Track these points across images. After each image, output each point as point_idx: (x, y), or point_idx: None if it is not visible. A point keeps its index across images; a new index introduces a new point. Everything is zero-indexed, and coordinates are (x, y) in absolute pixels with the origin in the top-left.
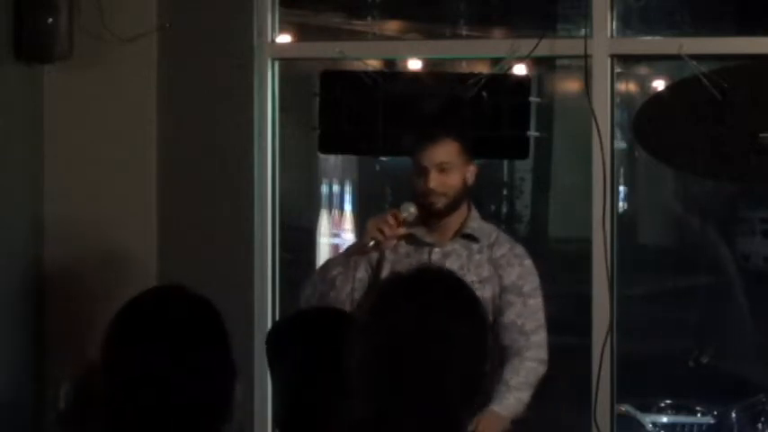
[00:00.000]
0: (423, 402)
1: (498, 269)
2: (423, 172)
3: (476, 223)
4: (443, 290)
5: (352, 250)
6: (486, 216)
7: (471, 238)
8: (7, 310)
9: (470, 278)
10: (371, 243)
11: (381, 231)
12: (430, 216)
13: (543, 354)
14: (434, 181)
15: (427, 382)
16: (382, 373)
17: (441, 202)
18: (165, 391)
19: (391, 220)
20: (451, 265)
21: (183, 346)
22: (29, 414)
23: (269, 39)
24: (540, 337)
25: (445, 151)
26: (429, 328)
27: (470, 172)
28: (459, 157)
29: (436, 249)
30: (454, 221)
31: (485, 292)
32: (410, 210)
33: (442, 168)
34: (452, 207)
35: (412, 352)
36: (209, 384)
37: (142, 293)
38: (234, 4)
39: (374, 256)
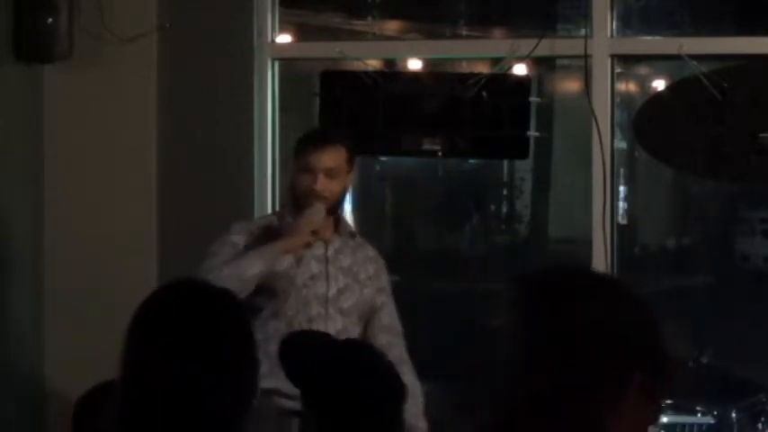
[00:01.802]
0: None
1: (378, 269)
2: (309, 173)
3: (349, 223)
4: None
5: (278, 250)
6: (486, 216)
7: (351, 234)
8: (7, 310)
9: (363, 275)
10: (306, 243)
11: (314, 232)
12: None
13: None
14: (321, 184)
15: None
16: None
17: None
18: (193, 391)
19: (317, 222)
20: (345, 260)
21: (209, 342)
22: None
23: (269, 39)
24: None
25: (335, 157)
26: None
27: (350, 180)
28: (346, 164)
29: (330, 245)
30: (330, 221)
31: (371, 290)
32: (322, 212)
33: (329, 173)
34: (331, 212)
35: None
36: (237, 380)
37: (161, 288)
38: (234, 4)
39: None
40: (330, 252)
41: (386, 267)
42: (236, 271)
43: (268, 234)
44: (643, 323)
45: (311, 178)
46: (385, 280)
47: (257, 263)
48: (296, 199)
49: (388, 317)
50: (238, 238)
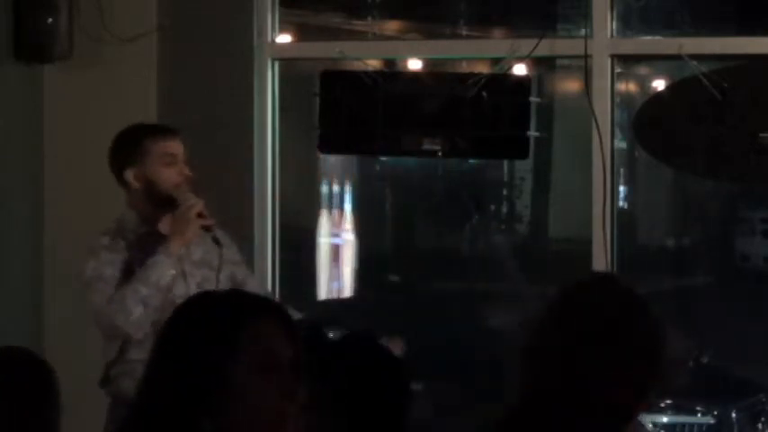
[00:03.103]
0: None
1: (226, 246)
2: (172, 161)
3: None
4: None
5: (177, 246)
6: (486, 216)
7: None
8: (7, 310)
9: (215, 261)
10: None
11: (200, 215)
12: (175, 206)
13: None
14: (185, 169)
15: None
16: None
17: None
18: None
19: (199, 205)
20: (196, 252)
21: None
22: None
23: (269, 39)
24: None
25: (180, 143)
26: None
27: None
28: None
29: (216, 233)
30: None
31: (226, 272)
32: (193, 197)
33: (182, 160)
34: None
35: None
36: None
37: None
38: (234, 4)
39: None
40: (182, 250)
41: (231, 237)
42: (152, 290)
43: (145, 239)
44: (659, 332)
45: (175, 165)
46: (236, 252)
47: (165, 267)
48: (159, 193)
49: (253, 281)
50: (110, 269)
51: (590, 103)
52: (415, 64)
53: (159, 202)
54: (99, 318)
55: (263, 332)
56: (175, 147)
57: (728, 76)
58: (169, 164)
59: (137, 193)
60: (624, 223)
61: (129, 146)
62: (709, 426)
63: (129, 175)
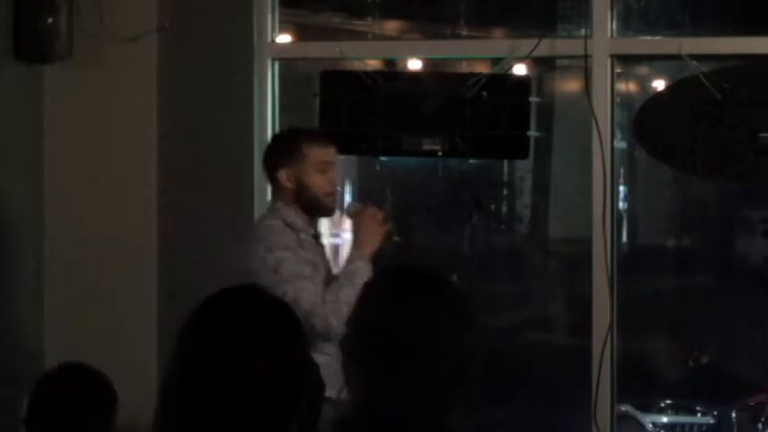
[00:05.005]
0: (409, 388)
1: None
2: (325, 169)
3: None
4: (425, 281)
5: (369, 253)
6: (486, 216)
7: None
8: (7, 310)
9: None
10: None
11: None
12: (324, 213)
13: None
14: (336, 179)
15: (413, 369)
16: (370, 362)
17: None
18: (228, 390)
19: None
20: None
21: (248, 345)
22: None
23: (269, 39)
24: None
25: (335, 152)
26: (412, 315)
27: None
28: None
29: (324, 242)
30: None
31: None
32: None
33: (334, 167)
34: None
35: (395, 340)
36: (271, 384)
37: (217, 293)
38: (234, 4)
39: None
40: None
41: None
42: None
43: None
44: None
45: (329, 172)
46: None
47: (366, 273)
48: (309, 198)
49: None
50: (308, 268)
51: (590, 103)
52: (415, 64)
53: (306, 205)
54: (313, 317)
55: None
56: (331, 155)
57: (728, 76)
58: (323, 171)
59: (287, 192)
60: (624, 223)
61: (287, 147)
62: (709, 426)
63: (283, 175)
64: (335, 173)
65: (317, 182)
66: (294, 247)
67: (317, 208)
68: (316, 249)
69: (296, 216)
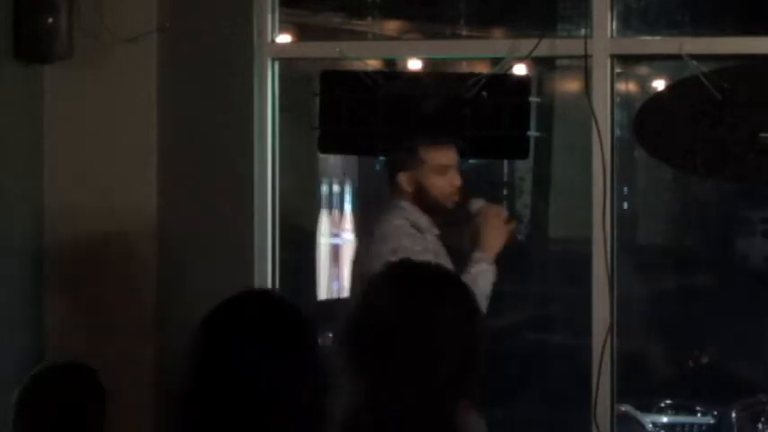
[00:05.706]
0: (410, 387)
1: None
2: (444, 171)
3: None
4: (428, 279)
5: (493, 254)
6: None
7: None
8: (7, 310)
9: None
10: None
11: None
12: (442, 214)
13: None
14: (457, 179)
15: (413, 368)
16: (369, 359)
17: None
18: (238, 391)
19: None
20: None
21: (261, 347)
22: None
23: (269, 39)
24: None
25: (454, 153)
26: (413, 314)
27: None
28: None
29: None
30: None
31: None
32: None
33: (455, 169)
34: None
35: (397, 338)
36: (275, 385)
37: (234, 296)
38: (234, 4)
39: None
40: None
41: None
42: (481, 298)
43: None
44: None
45: (449, 178)
46: None
47: (491, 275)
48: (429, 200)
49: None
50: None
51: (590, 103)
52: (415, 64)
53: (427, 206)
54: None
55: None
56: (449, 157)
57: (728, 76)
58: (441, 173)
59: (407, 194)
60: (624, 223)
61: (406, 152)
62: (709, 426)
63: (403, 179)
64: (454, 173)
65: (436, 183)
66: (420, 252)
67: (438, 208)
68: (439, 250)
69: (420, 216)
